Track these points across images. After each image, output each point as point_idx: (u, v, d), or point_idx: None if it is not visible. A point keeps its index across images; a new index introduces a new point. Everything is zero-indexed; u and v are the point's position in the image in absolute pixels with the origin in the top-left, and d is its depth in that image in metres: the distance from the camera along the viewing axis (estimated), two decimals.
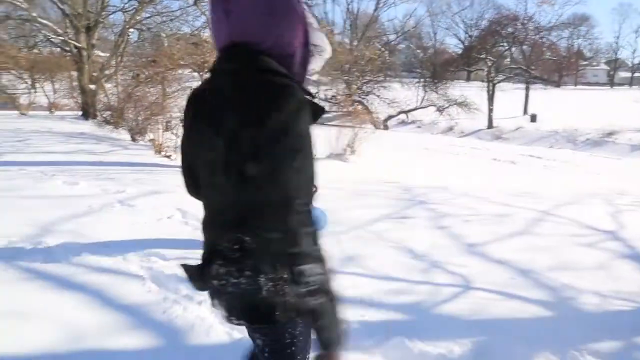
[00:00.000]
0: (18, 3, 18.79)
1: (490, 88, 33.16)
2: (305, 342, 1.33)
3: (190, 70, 17.00)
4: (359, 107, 18.82)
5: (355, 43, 30.65)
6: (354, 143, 11.55)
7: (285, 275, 1.17)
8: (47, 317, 2.73)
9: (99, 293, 3.07)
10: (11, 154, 8.78)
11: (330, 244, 3.87)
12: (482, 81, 35.56)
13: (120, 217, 4.82)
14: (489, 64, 33.77)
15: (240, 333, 2.63)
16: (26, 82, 39.68)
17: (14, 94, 33.55)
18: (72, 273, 3.36)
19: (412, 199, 6.55)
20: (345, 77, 25.04)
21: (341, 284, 3.21)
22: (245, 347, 2.29)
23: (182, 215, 4.93)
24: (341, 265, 3.69)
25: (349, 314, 2.83)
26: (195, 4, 18.50)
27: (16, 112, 26.98)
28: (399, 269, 3.74)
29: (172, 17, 20.26)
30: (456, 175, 9.13)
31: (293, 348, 1.29)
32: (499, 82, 33.71)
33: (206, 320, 2.75)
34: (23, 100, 30.15)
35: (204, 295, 2.97)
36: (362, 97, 26.38)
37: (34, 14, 19.61)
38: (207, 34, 17.27)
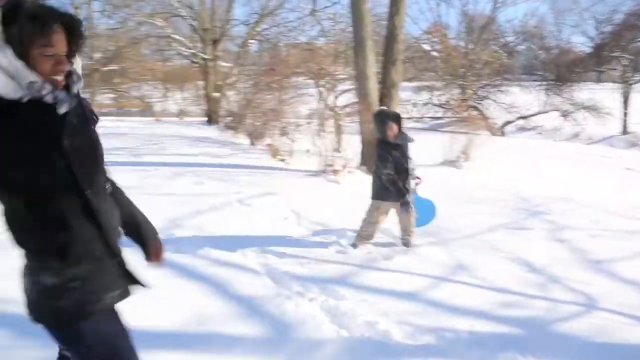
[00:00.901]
0: (157, 23, 20.87)
1: (626, 90, 29.92)
2: None
3: (305, 77, 17.63)
4: (474, 112, 18.12)
5: (470, 46, 29.51)
6: (468, 150, 11.14)
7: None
8: (174, 300, 3.01)
9: (219, 283, 3.31)
10: (148, 155, 9.78)
11: (439, 249, 3.76)
12: (615, 82, 32.17)
13: (239, 216, 5.13)
14: (624, 63, 30.50)
15: (348, 332, 2.68)
16: (160, 92, 43.93)
17: (150, 102, 37.37)
18: (197, 264, 3.67)
19: (530, 209, 6.16)
20: (460, 82, 24.23)
21: (450, 292, 3.13)
22: (352, 345, 2.32)
23: (297, 217, 5.12)
24: (451, 273, 3.59)
25: (456, 322, 2.75)
26: (311, 14, 19.14)
27: (152, 118, 29.98)
28: (513, 281, 3.55)
29: (290, 28, 21.15)
30: (581, 186, 8.37)
31: None
32: (635, 82, 30.28)
33: (316, 317, 2.84)
34: (157, 107, 33.45)
35: (315, 293, 3.09)
36: (478, 102, 25.32)
37: (169, 31, 21.63)
38: (322, 41, 17.79)
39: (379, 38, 15.81)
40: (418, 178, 4.40)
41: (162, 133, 15.92)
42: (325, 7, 19.51)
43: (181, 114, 32.33)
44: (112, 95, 44.48)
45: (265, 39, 23.34)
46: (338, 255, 4.01)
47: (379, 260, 3.86)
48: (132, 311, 2.69)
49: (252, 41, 23.36)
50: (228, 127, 17.19)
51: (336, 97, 12.53)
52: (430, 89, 25.36)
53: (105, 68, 34.07)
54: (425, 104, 25.87)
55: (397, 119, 4.20)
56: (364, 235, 4.21)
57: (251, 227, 4.65)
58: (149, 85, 43.40)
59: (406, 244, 4.22)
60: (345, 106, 13.20)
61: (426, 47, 25.87)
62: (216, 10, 22.27)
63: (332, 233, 4.54)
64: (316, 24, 19.99)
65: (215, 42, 21.75)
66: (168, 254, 3.74)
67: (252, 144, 13.40)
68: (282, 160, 9.39)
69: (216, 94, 21.35)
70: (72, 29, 1.28)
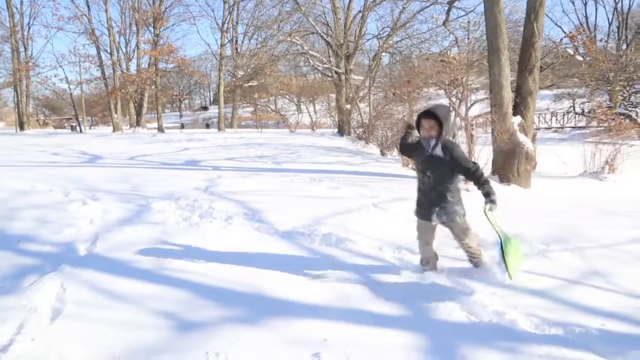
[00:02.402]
0: (295, 41, 22.44)
1: None
2: None
3: (436, 88, 17.65)
4: (626, 120, 16.58)
5: (623, 47, 26.80)
6: (613, 160, 10.41)
7: None
8: (325, 280, 3.53)
9: (360, 270, 3.77)
10: (287, 162, 10.72)
11: (573, 255, 3.84)
12: None
13: (375, 218, 5.58)
14: None
15: (477, 318, 2.94)
16: (294, 105, 46.59)
17: (285, 114, 39.89)
18: (340, 255, 4.19)
19: None
20: (609, 88, 22.25)
21: (582, 293, 3.22)
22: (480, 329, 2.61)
23: None
24: (584, 277, 3.66)
25: (587, 320, 2.87)
26: (444, 24, 19.15)
27: (287, 129, 32.04)
28: None
29: (422, 40, 21.33)
30: None
31: None
32: None
33: (448, 304, 3.15)
34: (291, 119, 35.62)
35: (447, 283, 3.39)
36: (630, 109, 22.98)
37: (306, 48, 23.10)
38: (454, 52, 17.69)
39: (515, 45, 15.32)
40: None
41: (297, 143, 17.10)
42: (459, 17, 19.39)
43: (313, 125, 34.06)
44: (250, 109, 48.33)
45: (398, 52, 23.80)
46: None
47: None
48: (299, 289, 3.28)
49: (384, 54, 23.96)
50: (359, 137, 17.91)
51: (468, 107, 12.44)
52: (572, 96, 23.66)
53: (246, 84, 37.29)
54: (566, 112, 24.17)
55: (439, 118, 3.34)
56: (422, 260, 3.81)
57: (387, 228, 5.07)
58: (284, 98, 46.38)
59: (474, 264, 3.75)
60: (478, 116, 13.06)
61: (569, 51, 24.19)
62: (350, 27, 23.29)
63: None
64: (449, 35, 19.94)
65: (348, 56, 22.74)
66: (316, 245, 4.33)
67: (383, 154, 13.86)
68: (414, 169, 9.68)
69: (348, 106, 22.27)
70: None
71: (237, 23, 36.73)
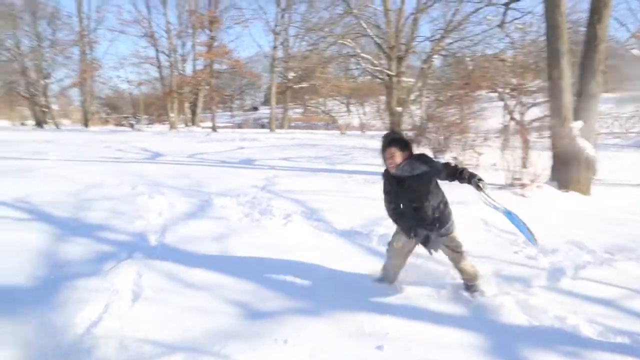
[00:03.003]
0: (346, 43, 22.57)
1: None
2: None
3: (488, 90, 17.30)
4: None
5: None
6: None
7: None
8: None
9: (419, 269, 3.84)
10: (341, 164, 10.86)
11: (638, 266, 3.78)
12: None
13: None
14: None
15: (538, 322, 2.97)
16: (344, 107, 46.75)
17: (335, 116, 40.12)
18: None
19: None
20: None
21: None
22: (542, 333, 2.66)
23: (485, 225, 5.43)
24: None
25: None
26: (499, 26, 18.75)
27: (337, 131, 32.23)
28: None
29: (476, 41, 20.93)
30: None
31: None
32: None
33: (508, 306, 3.19)
34: (341, 121, 35.77)
35: (508, 288, 3.43)
36: None
37: (358, 50, 23.18)
38: (509, 54, 17.31)
39: (575, 47, 14.85)
40: None
41: (349, 145, 17.22)
42: (515, 18, 18.90)
43: (363, 127, 34.05)
44: (299, 110, 48.87)
45: (451, 54, 23.46)
46: (527, 259, 4.25)
47: (569, 268, 3.98)
48: (360, 285, 3.34)
49: (436, 56, 23.67)
50: (411, 140, 17.81)
51: (524, 111, 12.17)
52: (638, 100, 22.58)
53: (297, 86, 37.77)
54: (630, 117, 23.10)
55: (398, 142, 3.32)
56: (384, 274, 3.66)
57: None
58: (335, 100, 46.62)
59: (469, 288, 3.48)
60: (534, 120, 12.74)
61: (635, 52, 23.11)
62: (402, 29, 23.17)
63: (521, 241, 4.75)
64: (504, 36, 19.48)
65: (400, 58, 22.63)
66: (374, 245, 4.42)
67: (435, 157, 13.75)
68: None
69: (399, 109, 22.17)
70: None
71: (288, 25, 37.24)
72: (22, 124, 54.69)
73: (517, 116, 12.35)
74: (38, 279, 3.74)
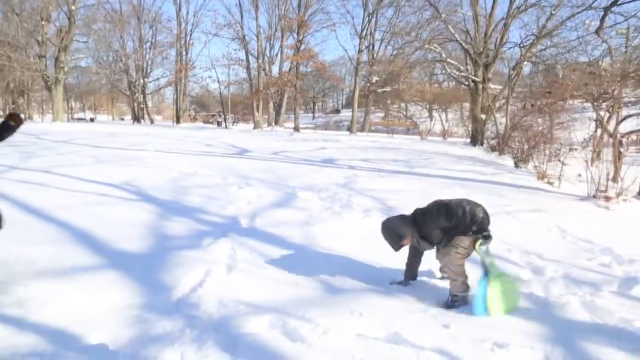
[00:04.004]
0: (433, 48, 22.49)
1: None
2: None
3: (582, 100, 16.53)
4: None
5: None
6: None
7: None
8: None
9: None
10: (420, 167, 11.01)
11: None
12: None
13: (507, 224, 5.72)
14: None
15: (602, 321, 3.08)
16: (426, 112, 46.24)
17: (417, 121, 39.85)
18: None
19: None
20: None
21: None
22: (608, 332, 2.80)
23: (561, 232, 5.44)
24: None
25: None
26: (596, 32, 17.86)
27: (417, 136, 32.07)
28: None
29: (569, 48, 20.04)
30: None
31: None
32: None
33: (572, 304, 3.32)
34: (423, 127, 35.48)
35: (574, 289, 3.52)
36: None
37: (444, 56, 23.00)
38: (607, 62, 16.44)
39: None
40: None
41: (429, 150, 17.20)
42: (616, 23, 17.88)
43: (445, 133, 33.58)
44: (380, 114, 48.92)
45: (540, 61, 22.64)
46: (600, 267, 4.27)
47: None
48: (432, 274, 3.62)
49: (525, 63, 22.93)
50: (493, 148, 17.47)
51: (619, 122, 11.62)
52: None
53: (380, 90, 37.96)
54: None
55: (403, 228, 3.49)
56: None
57: (518, 234, 5.20)
58: (417, 105, 46.26)
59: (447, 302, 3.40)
60: (630, 132, 12.12)
61: None
62: (491, 35, 22.67)
63: (597, 250, 4.76)
64: (601, 43, 18.49)
65: (487, 65, 22.19)
66: None
67: (517, 166, 13.46)
68: (550, 183, 9.41)
69: (483, 116, 21.74)
70: None
71: (375, 30, 37.55)
72: (121, 119, 59.57)
73: (610, 128, 11.83)
74: (148, 248, 4.38)
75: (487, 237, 3.33)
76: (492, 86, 25.97)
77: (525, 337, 2.84)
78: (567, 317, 3.19)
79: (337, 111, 71.07)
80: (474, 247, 3.34)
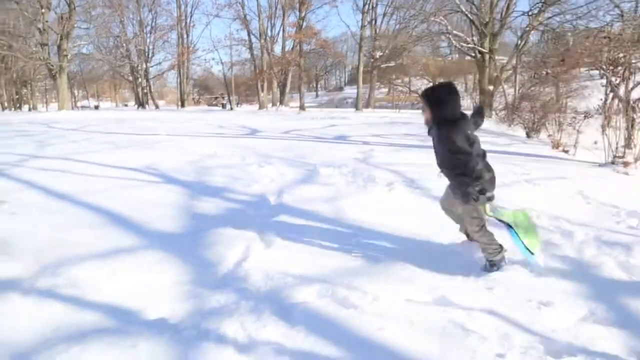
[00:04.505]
0: (439, 20, 22.24)
1: None
2: None
3: (590, 68, 16.35)
4: None
5: None
6: None
7: None
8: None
9: None
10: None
11: None
12: None
13: (529, 191, 5.81)
14: None
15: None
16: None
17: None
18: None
19: None
20: None
21: None
22: None
23: (584, 197, 5.51)
24: None
25: None
26: None
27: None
28: None
29: (579, 15, 19.75)
30: None
31: None
32: None
33: (608, 264, 3.39)
34: None
35: (606, 253, 3.59)
36: None
37: (450, 28, 22.76)
38: (618, 27, 16.23)
39: None
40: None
41: None
42: None
43: None
44: (384, 90, 48.64)
45: (549, 29, 22.35)
46: (629, 229, 4.34)
47: None
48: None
49: (533, 32, 22.67)
50: (502, 119, 17.41)
51: (631, 89, 11.53)
52: None
53: (383, 65, 37.66)
54: None
55: (425, 97, 3.36)
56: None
57: (541, 200, 5.27)
58: (421, 79, 45.93)
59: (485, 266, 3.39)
60: None
61: None
62: (497, 4, 22.37)
63: (623, 213, 4.82)
64: (613, 7, 18.21)
65: (493, 35, 21.96)
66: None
67: (529, 136, 13.45)
68: (565, 151, 9.44)
69: (490, 87, 21.62)
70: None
71: (376, 4, 37.05)
72: (125, 105, 59.52)
73: (621, 94, 11.74)
74: (183, 227, 4.47)
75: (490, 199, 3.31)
76: (499, 57, 25.72)
77: (567, 296, 2.93)
78: (603, 276, 3.28)
79: (340, 89, 70.64)
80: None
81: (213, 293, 3.01)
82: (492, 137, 12.95)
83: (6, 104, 38.22)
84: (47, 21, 29.37)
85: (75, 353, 2.40)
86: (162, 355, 2.36)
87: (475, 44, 22.43)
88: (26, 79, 39.60)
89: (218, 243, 3.91)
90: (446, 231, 4.04)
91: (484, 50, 21.64)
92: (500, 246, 3.37)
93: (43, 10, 28.73)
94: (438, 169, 3.52)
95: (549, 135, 11.08)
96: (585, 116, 10.23)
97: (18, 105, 39.02)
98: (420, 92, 3.43)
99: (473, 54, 23.34)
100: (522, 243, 3.29)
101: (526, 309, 2.73)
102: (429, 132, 3.46)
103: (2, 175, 6.99)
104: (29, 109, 37.95)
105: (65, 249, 3.76)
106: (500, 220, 3.45)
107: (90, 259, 3.59)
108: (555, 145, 10.01)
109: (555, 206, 5.03)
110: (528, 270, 3.32)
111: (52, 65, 29.43)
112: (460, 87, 37.38)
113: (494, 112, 19.76)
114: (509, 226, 3.39)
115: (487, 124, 17.66)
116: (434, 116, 3.30)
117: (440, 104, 3.27)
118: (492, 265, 3.35)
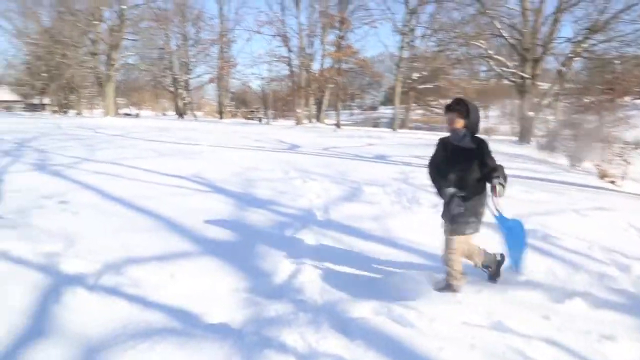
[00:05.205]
0: (479, 44, 22.18)
1: None
2: None
3: (635, 97, 15.99)
4: None
5: None
6: None
7: None
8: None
9: (563, 258, 4.04)
10: None
11: None
12: None
13: (577, 221, 5.68)
14: None
15: None
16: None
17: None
18: (549, 248, 4.49)
19: None
20: None
21: None
22: None
23: (636, 230, 5.36)
24: None
25: None
26: None
27: None
28: None
29: (626, 42, 19.35)
30: None
31: None
32: None
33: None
34: None
35: None
36: None
37: (490, 52, 22.64)
38: None
39: None
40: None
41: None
42: None
43: (489, 131, 33.00)
44: (420, 111, 48.47)
45: (594, 56, 21.96)
46: None
47: None
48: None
49: (577, 59, 22.31)
50: (543, 146, 17.11)
51: None
52: None
53: (420, 86, 37.64)
54: None
55: (456, 109, 3.34)
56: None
57: (592, 232, 5.16)
58: None
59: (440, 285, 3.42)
60: None
61: None
62: (539, 29, 22.14)
63: None
64: None
65: (535, 60, 21.71)
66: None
67: (572, 165, 13.17)
68: (612, 182, 9.21)
69: (531, 113, 21.30)
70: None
71: (416, 26, 37.17)
72: (164, 114, 61.15)
73: None
74: (234, 236, 4.59)
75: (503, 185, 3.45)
76: (541, 83, 25.38)
77: (628, 330, 2.88)
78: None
79: (374, 108, 70.80)
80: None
81: (270, 302, 3.09)
82: (533, 164, 12.77)
83: (56, 109, 39.86)
84: (99, 32, 30.66)
85: (144, 350, 2.51)
86: None
87: (516, 69, 22.20)
88: (74, 86, 41.23)
89: (270, 254, 4.00)
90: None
91: (525, 75, 21.40)
92: (463, 274, 3.39)
93: (95, 22, 30.02)
94: (451, 189, 3.50)
95: (596, 165, 10.83)
96: (636, 147, 9.99)
97: (64, 110, 40.66)
98: (450, 102, 3.39)
99: (513, 79, 23.09)
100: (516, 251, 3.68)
101: (587, 341, 2.70)
102: (454, 142, 3.38)
103: (60, 175, 7.33)
104: (76, 115, 39.55)
105: (125, 250, 3.92)
106: (503, 223, 3.66)
107: (149, 261, 3.73)
108: (602, 175, 9.78)
109: (607, 238, 4.93)
110: (585, 303, 3.27)
111: (101, 74, 30.60)
112: (498, 112, 37.07)
113: (535, 139, 19.43)
114: (507, 230, 3.66)
115: (527, 150, 17.42)
116: (472, 126, 3.33)
117: (477, 116, 3.36)
118: (449, 287, 3.35)
